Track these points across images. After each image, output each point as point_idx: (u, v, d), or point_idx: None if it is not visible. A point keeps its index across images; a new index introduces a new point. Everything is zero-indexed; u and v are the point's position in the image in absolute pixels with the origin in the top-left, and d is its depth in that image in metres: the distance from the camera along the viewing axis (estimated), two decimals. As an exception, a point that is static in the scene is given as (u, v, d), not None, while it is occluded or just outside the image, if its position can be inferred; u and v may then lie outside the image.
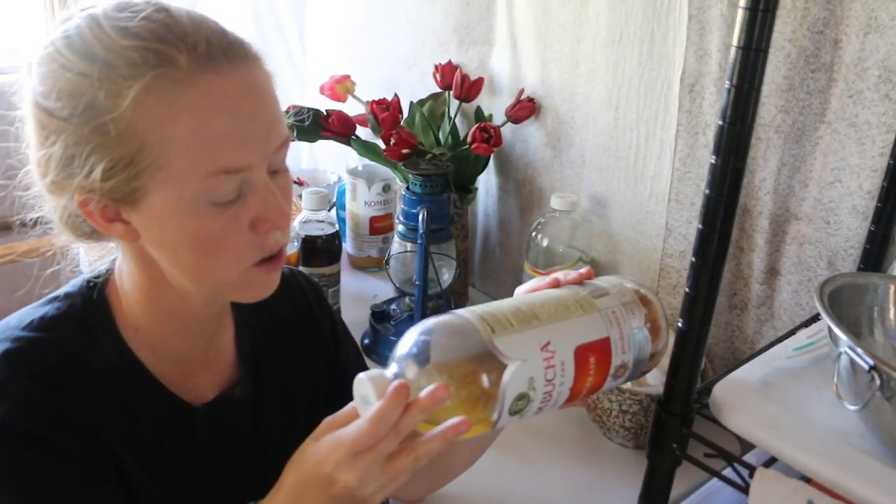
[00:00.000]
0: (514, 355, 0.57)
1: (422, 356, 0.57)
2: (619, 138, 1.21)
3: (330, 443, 0.57)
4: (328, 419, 0.61)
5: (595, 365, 0.63)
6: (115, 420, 0.65)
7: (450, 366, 0.56)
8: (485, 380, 0.56)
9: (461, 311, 0.60)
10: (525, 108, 1.33)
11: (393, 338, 1.27)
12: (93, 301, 0.68)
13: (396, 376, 0.57)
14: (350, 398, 0.60)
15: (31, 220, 0.68)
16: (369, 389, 0.56)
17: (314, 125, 1.40)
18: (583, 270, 0.71)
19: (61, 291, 0.70)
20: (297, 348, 0.82)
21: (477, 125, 1.34)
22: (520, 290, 0.70)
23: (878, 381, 0.63)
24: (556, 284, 0.68)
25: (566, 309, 0.64)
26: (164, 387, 0.70)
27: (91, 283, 0.70)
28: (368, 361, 1.29)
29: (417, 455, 0.57)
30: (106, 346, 0.67)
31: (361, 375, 0.57)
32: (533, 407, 0.60)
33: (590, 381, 0.64)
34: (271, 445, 0.78)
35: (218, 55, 0.58)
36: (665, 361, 0.74)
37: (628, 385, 1.02)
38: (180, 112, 0.57)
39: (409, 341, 0.58)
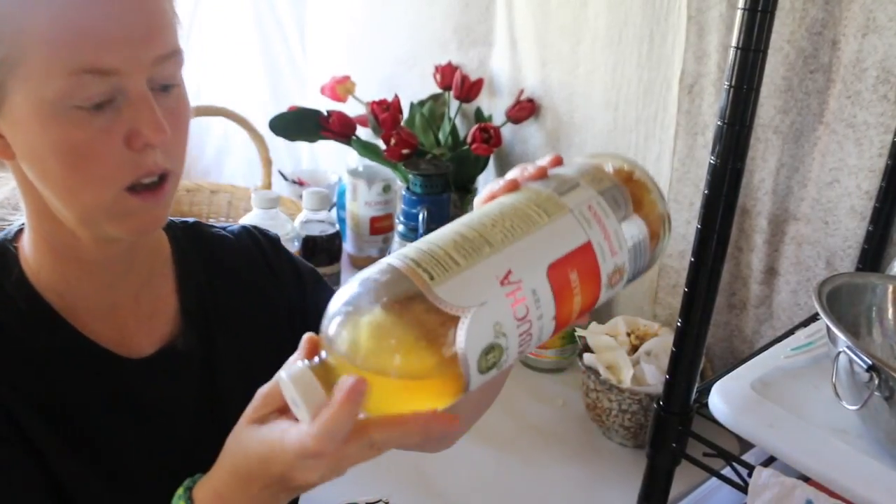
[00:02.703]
0: (464, 302, 0.45)
1: (353, 335, 0.45)
2: (618, 139, 1.22)
3: (273, 446, 0.49)
4: (263, 394, 0.52)
5: (580, 281, 0.50)
6: (20, 375, 0.61)
7: (390, 339, 0.44)
8: (434, 340, 0.44)
9: (390, 260, 0.47)
10: (525, 109, 1.34)
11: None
12: (2, 249, 0.64)
13: (323, 367, 0.46)
14: None
15: None
16: (297, 398, 0.46)
17: (314, 125, 1.41)
18: (545, 160, 0.56)
19: None
20: (252, 299, 0.76)
21: (477, 125, 1.34)
22: (477, 202, 0.58)
23: (876, 381, 0.64)
24: (515, 186, 0.54)
25: (526, 220, 0.49)
26: (83, 336, 0.64)
27: (5, 232, 0.65)
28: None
29: (374, 443, 0.47)
30: (10, 293, 0.63)
31: (283, 375, 0.47)
32: (510, 354, 0.48)
33: (578, 301, 0.51)
34: (230, 402, 0.69)
35: None
36: (664, 361, 0.74)
37: (628, 385, 1.03)
38: (37, 1, 0.52)
39: (334, 318, 0.46)
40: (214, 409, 0.72)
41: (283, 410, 0.50)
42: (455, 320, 0.44)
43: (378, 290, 0.46)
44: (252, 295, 0.77)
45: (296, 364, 0.47)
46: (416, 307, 0.44)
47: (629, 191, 0.53)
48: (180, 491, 0.55)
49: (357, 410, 0.45)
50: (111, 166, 0.57)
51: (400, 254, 0.47)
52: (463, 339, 0.44)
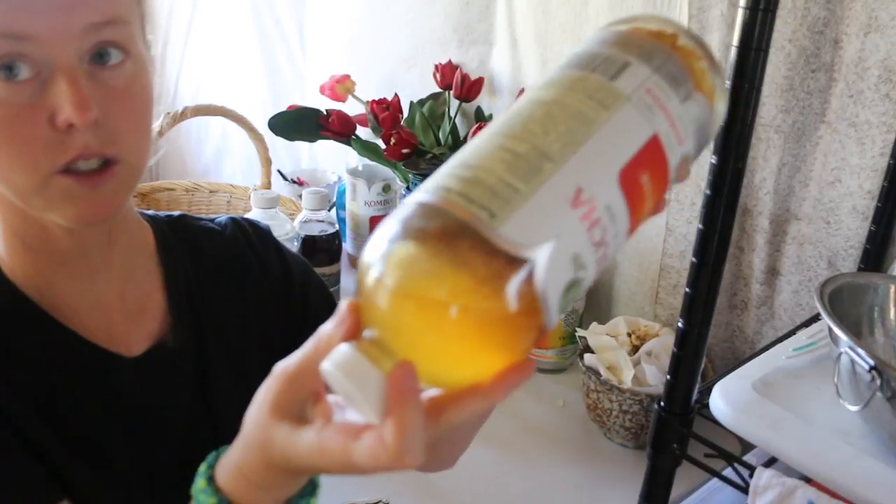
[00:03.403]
0: (535, 239, 0.36)
1: (406, 299, 0.36)
2: (619, 138, 1.21)
3: (334, 457, 0.41)
4: (288, 376, 0.44)
5: (651, 182, 0.42)
6: (12, 372, 0.59)
7: (453, 296, 0.36)
8: (507, 291, 0.36)
9: (428, 197, 0.38)
10: (525, 108, 1.33)
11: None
12: None
13: (375, 344, 0.38)
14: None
15: None
16: (357, 394, 0.38)
17: (314, 125, 1.40)
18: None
19: None
20: (240, 292, 0.74)
21: (477, 125, 1.34)
22: None
23: (878, 381, 0.63)
24: None
25: (582, 119, 0.40)
26: (71, 331, 0.62)
27: None
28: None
29: (452, 425, 0.41)
30: None
31: (328, 367, 0.38)
32: (587, 283, 0.41)
33: (649, 206, 0.43)
34: (222, 399, 0.70)
35: None
36: (665, 361, 0.74)
37: (629, 385, 1.02)
38: None
39: (376, 278, 0.37)
40: (207, 405, 0.70)
41: (318, 396, 0.44)
42: (528, 261, 0.36)
43: (429, 240, 0.37)
44: (240, 287, 0.74)
45: (340, 349, 0.38)
46: (477, 253, 0.36)
47: (685, 62, 0.44)
48: (202, 483, 0.49)
49: (419, 401, 0.38)
50: (37, 147, 0.52)
51: (439, 186, 0.38)
52: (542, 281, 0.36)
